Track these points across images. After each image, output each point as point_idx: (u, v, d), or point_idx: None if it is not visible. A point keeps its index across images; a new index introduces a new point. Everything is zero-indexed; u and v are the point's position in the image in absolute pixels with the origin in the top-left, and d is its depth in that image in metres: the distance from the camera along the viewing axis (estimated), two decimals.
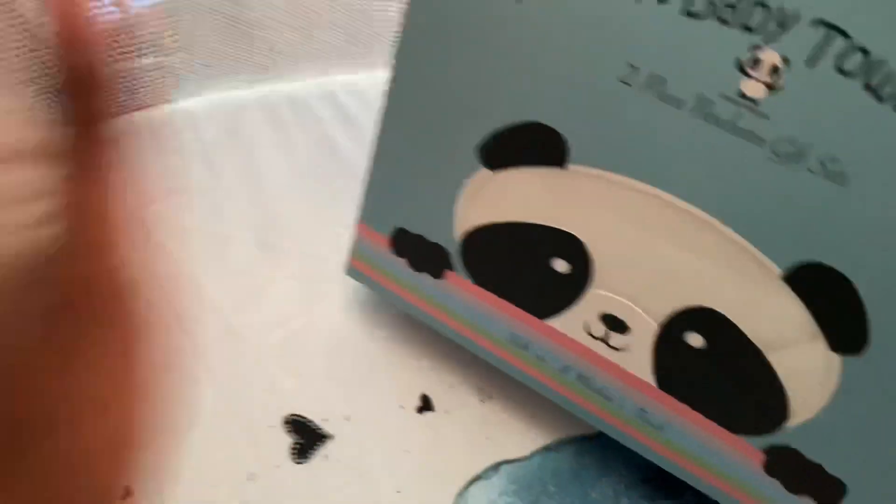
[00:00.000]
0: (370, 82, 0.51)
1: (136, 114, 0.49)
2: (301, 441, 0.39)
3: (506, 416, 0.39)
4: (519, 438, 0.39)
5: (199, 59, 0.52)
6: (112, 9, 0.42)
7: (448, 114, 0.32)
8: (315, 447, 0.39)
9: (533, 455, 0.38)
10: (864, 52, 0.24)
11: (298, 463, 0.39)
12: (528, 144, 0.31)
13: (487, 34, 0.30)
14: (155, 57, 0.52)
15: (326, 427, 0.39)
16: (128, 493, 0.36)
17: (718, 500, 0.34)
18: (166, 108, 0.50)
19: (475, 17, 0.30)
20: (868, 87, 0.24)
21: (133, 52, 0.50)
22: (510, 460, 0.38)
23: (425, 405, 0.40)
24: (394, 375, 0.41)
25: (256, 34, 0.53)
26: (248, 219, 0.45)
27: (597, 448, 0.38)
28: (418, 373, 0.41)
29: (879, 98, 0.24)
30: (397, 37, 0.32)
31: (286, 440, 0.39)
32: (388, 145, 0.35)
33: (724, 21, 0.25)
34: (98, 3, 0.18)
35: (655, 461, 0.35)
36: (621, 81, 0.28)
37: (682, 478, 0.35)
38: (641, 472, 0.38)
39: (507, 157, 0.32)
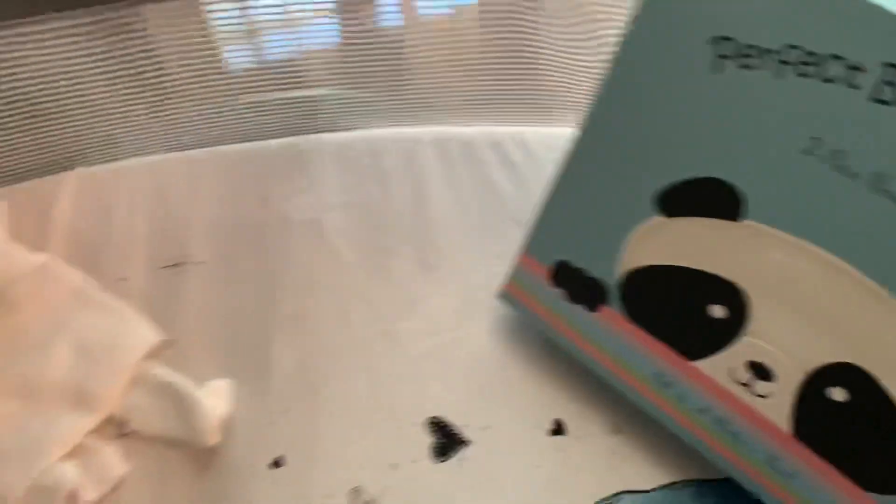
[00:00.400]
0: (536, 137, 0.56)
1: (324, 135, 0.56)
2: (442, 441, 0.43)
3: (634, 449, 0.42)
4: (644, 472, 0.41)
5: (377, 95, 0.59)
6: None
7: (632, 164, 0.37)
8: (454, 449, 0.42)
9: (656, 490, 0.41)
10: None
11: (437, 461, 0.42)
12: (705, 197, 0.35)
13: (681, 100, 0.34)
14: (335, 89, 0.59)
15: (466, 433, 0.43)
16: (279, 462, 0.41)
17: None
18: (349, 133, 0.56)
19: (672, 85, 0.34)
20: None
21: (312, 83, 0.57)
22: (633, 491, 0.41)
23: (558, 429, 0.43)
24: (531, 396, 0.44)
25: (422, 79, 0.59)
26: (412, 239, 0.51)
27: (718, 493, 0.41)
28: (555, 398, 0.44)
29: None
30: (594, 95, 0.37)
31: (427, 439, 0.43)
32: (566, 186, 0.40)
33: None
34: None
35: None
36: (803, 152, 0.32)
37: None
38: None
39: (684, 206, 0.36)
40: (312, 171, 0.54)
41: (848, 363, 0.33)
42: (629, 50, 0.35)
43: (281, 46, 0.56)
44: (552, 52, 0.56)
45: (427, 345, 0.46)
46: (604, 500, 0.41)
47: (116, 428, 0.43)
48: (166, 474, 0.42)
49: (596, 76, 0.39)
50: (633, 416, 0.42)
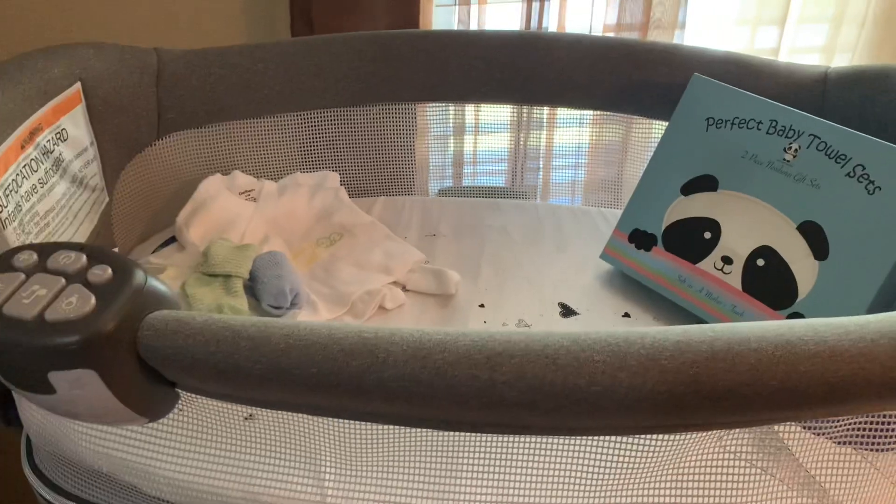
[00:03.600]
0: None
1: None
2: (564, 311, 0.82)
3: (660, 325, 0.80)
4: None
5: None
6: None
7: (670, 174, 0.81)
8: (570, 315, 0.82)
9: None
10: None
11: (561, 319, 0.81)
12: (702, 183, 0.78)
13: (693, 143, 0.79)
14: None
15: (577, 310, 0.82)
16: (483, 305, 0.82)
17: None
18: None
19: (690, 137, 0.80)
20: None
21: None
22: None
23: (626, 315, 0.82)
24: (614, 300, 0.83)
25: None
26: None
27: None
28: (625, 301, 0.83)
29: None
30: (658, 145, 0.83)
31: (558, 308, 0.82)
32: (639, 191, 0.84)
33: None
34: None
35: None
36: (742, 158, 0.75)
37: None
38: None
39: (693, 189, 0.79)
40: None
41: (765, 245, 0.73)
42: (673, 121, 0.82)
43: None
44: None
45: (563, 274, 0.87)
46: None
47: (401, 286, 0.86)
48: (425, 307, 0.83)
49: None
50: (666, 308, 0.81)
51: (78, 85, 0.74)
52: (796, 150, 0.72)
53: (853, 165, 0.68)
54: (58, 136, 0.71)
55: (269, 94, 0.89)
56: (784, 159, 0.72)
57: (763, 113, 0.74)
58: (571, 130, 1.10)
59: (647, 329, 0.42)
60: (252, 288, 0.79)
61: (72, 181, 0.74)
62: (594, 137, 1.08)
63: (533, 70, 0.93)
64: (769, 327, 0.41)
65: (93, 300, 0.43)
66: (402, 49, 0.93)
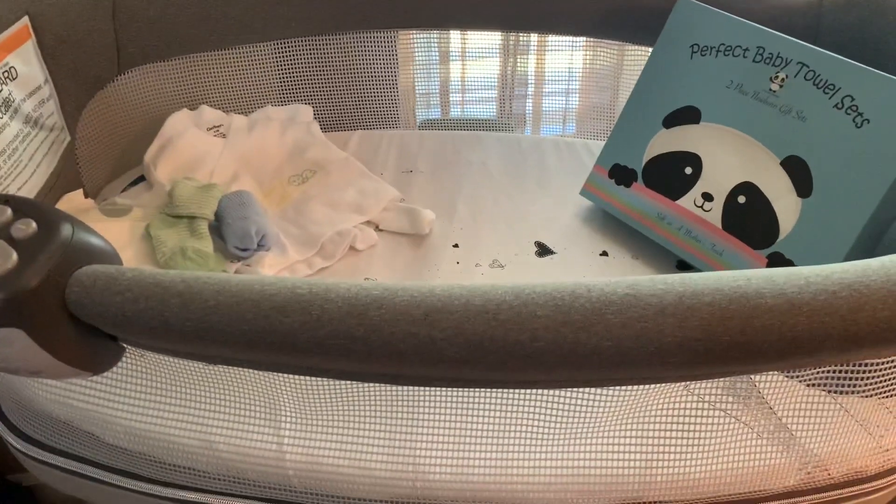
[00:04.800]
0: None
1: None
2: (540, 250, 0.80)
3: (646, 266, 0.77)
4: (645, 273, 0.76)
5: None
6: None
7: (652, 105, 0.77)
8: (546, 254, 0.79)
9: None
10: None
11: (537, 258, 0.79)
12: (685, 115, 0.74)
13: (677, 71, 0.75)
14: None
15: (554, 249, 0.80)
16: (457, 245, 0.79)
17: None
18: None
19: (674, 65, 0.75)
20: None
21: None
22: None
23: (604, 254, 0.80)
24: (592, 237, 0.81)
25: None
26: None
27: None
28: (604, 238, 0.80)
29: None
30: (641, 74, 0.78)
31: (534, 248, 0.80)
32: (620, 124, 0.80)
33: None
34: None
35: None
36: (727, 88, 0.71)
37: None
38: None
39: (676, 121, 0.75)
40: None
41: (746, 181, 0.69)
42: (656, 49, 0.77)
43: None
44: None
45: (542, 211, 0.85)
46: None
47: (374, 226, 0.83)
48: (397, 247, 0.81)
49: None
50: (646, 247, 0.78)
51: (25, 19, 0.70)
52: (783, 79, 0.67)
53: (842, 96, 0.64)
54: (5, 74, 0.68)
55: (231, 24, 0.85)
56: (770, 89, 0.68)
57: (750, 39, 0.70)
58: (563, 55, 1.05)
59: (595, 281, 0.40)
60: (219, 229, 0.77)
61: (25, 121, 0.71)
62: (587, 63, 1.03)
63: None
64: (725, 279, 0.39)
65: (14, 256, 0.41)
66: None
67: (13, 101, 0.69)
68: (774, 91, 0.68)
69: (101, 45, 0.79)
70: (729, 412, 0.55)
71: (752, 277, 0.39)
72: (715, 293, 0.39)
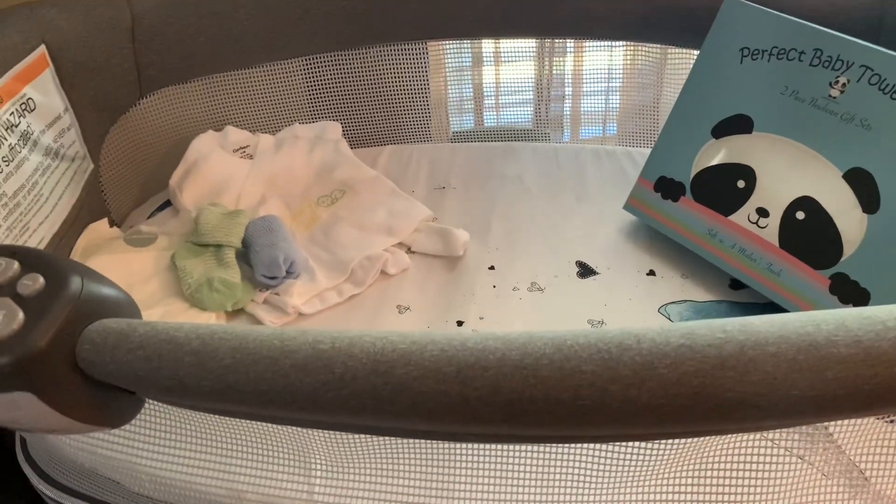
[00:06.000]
0: None
1: None
2: (582, 270, 0.75)
3: (695, 286, 0.72)
4: (699, 296, 0.71)
5: None
6: None
7: (700, 114, 0.72)
8: (588, 275, 0.75)
9: (706, 302, 0.71)
10: None
11: (579, 279, 0.74)
12: (736, 124, 0.69)
13: (725, 76, 0.70)
14: None
15: (597, 269, 0.75)
16: (493, 267, 0.75)
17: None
18: None
19: (722, 70, 0.70)
20: None
21: None
22: (694, 301, 0.71)
23: (651, 273, 0.75)
24: (638, 255, 0.76)
25: None
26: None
27: (740, 309, 0.70)
28: (650, 256, 0.76)
29: None
30: (687, 79, 0.73)
31: (575, 268, 0.76)
32: (666, 134, 0.75)
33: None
34: None
35: (770, 297, 0.66)
36: (782, 94, 0.66)
37: (782, 304, 0.65)
38: None
39: (726, 131, 0.70)
40: None
41: (805, 195, 0.64)
42: (703, 53, 0.72)
43: None
44: None
45: (583, 228, 0.80)
46: (674, 302, 0.71)
47: (406, 248, 0.80)
48: (430, 270, 0.77)
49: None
50: (696, 266, 0.73)
51: (42, 48, 0.68)
52: (844, 84, 0.62)
53: None
54: (23, 106, 0.66)
55: (253, 42, 0.82)
56: (830, 95, 0.63)
57: (806, 40, 0.64)
58: (602, 53, 0.99)
59: (645, 329, 0.36)
60: (247, 255, 0.74)
61: (45, 153, 0.69)
62: (627, 60, 0.97)
63: (546, 1, 0.84)
64: (791, 324, 0.35)
65: (20, 315, 0.39)
66: None
67: (32, 133, 0.67)
68: (834, 97, 0.62)
69: (121, 70, 0.77)
70: (792, 450, 0.50)
71: (821, 323, 0.35)
72: (780, 342, 0.34)
